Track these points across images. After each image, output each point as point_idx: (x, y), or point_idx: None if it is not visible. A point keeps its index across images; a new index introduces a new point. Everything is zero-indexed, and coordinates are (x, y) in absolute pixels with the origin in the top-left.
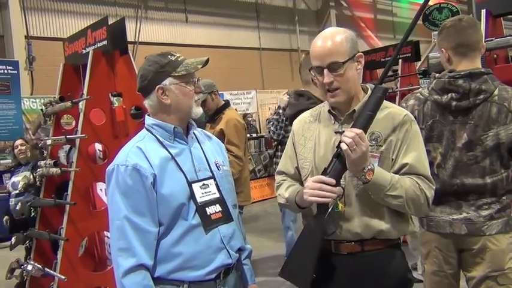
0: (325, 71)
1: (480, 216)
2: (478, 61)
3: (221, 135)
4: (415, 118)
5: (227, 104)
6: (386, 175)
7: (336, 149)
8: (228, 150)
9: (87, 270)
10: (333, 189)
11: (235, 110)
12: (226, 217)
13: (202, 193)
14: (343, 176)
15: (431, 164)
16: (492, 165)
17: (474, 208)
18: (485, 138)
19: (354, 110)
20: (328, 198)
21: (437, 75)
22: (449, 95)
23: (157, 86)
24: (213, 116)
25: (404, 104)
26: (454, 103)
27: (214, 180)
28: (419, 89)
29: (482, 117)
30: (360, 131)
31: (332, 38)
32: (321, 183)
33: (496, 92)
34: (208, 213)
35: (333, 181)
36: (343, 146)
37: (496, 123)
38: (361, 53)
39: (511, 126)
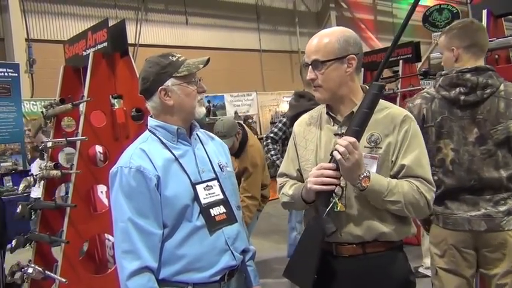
0: (310, 67)
1: (499, 211)
2: (483, 62)
3: (244, 172)
4: (424, 116)
5: (245, 134)
6: (383, 181)
7: (330, 156)
8: (246, 190)
9: (88, 272)
10: (333, 181)
11: (255, 137)
12: (230, 218)
13: (206, 194)
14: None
15: (443, 161)
16: (505, 158)
17: (492, 204)
18: (494, 132)
19: (353, 111)
20: (332, 185)
21: (443, 72)
22: (458, 89)
23: (160, 87)
24: (238, 150)
25: (410, 104)
26: (462, 97)
27: (218, 181)
28: (426, 89)
29: (490, 111)
30: (353, 139)
31: (323, 37)
32: (322, 169)
33: (501, 88)
34: (213, 215)
35: (333, 165)
36: (336, 155)
37: (505, 117)
38: (353, 56)
39: None
